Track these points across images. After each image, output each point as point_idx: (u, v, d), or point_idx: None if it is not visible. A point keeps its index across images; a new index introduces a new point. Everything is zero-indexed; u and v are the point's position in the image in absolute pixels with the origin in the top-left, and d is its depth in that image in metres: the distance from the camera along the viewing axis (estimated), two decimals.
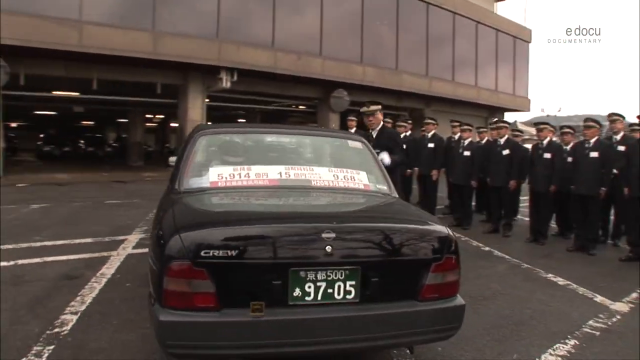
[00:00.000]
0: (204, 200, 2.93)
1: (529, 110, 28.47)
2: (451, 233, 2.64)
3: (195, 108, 17.17)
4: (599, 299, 4.49)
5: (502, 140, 7.51)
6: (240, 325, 2.26)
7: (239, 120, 28.29)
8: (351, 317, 2.37)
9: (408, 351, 2.99)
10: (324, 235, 2.30)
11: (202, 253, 2.20)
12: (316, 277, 2.34)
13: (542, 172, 6.74)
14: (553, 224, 7.54)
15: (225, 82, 16.51)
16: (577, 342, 3.49)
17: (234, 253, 2.23)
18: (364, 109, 5.15)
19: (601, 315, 4.04)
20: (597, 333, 3.69)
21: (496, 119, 10.85)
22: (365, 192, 3.21)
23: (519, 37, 25.88)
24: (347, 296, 2.38)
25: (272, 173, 3.12)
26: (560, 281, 5.03)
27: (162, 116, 30.07)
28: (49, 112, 24.95)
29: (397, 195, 3.31)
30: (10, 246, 5.78)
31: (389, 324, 2.43)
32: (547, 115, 43.65)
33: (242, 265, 2.27)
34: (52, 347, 3.19)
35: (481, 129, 8.57)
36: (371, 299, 2.41)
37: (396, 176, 4.80)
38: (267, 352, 2.33)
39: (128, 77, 15.94)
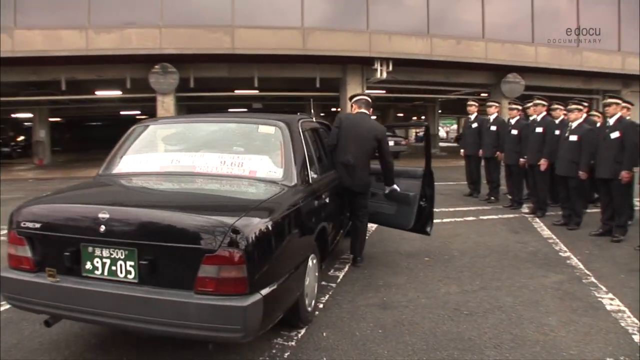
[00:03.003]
0: (84, 184, 3.51)
1: None
2: (239, 227, 2.38)
3: None
4: None
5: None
6: (41, 286, 2.64)
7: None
8: (126, 296, 2.47)
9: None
10: (99, 215, 2.53)
11: (21, 224, 2.73)
12: (102, 253, 2.57)
13: None
14: None
15: (381, 73, 16.50)
16: None
17: (38, 226, 2.69)
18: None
19: (618, 356, 2.94)
20: None
21: None
22: (245, 178, 3.16)
23: None
24: (128, 276, 2.54)
25: (165, 160, 3.44)
26: (611, 306, 3.78)
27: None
28: (240, 110, 28.61)
29: (291, 183, 3.13)
30: None
31: (162, 310, 2.41)
32: None
33: (44, 236, 2.69)
34: None
35: None
36: (149, 282, 2.49)
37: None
38: (63, 314, 2.70)
39: (286, 73, 17.11)
